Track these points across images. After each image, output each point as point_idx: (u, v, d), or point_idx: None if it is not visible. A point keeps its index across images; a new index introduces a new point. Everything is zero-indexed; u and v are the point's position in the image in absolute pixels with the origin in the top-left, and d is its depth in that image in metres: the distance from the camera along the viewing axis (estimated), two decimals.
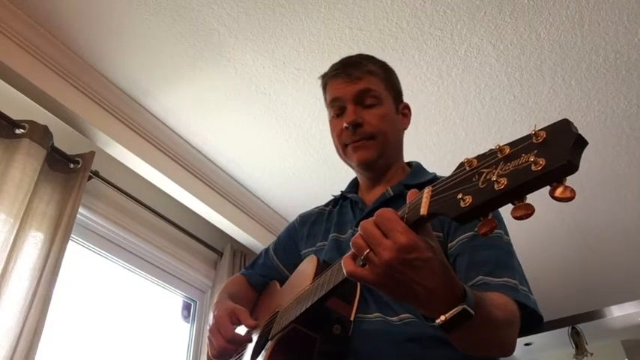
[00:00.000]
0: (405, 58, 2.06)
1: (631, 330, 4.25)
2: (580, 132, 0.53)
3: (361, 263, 0.68)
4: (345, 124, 1.11)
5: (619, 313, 3.89)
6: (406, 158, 1.26)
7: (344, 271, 0.70)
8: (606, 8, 1.88)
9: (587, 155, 2.87)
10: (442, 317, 0.67)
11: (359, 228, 0.68)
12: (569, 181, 0.53)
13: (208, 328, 1.09)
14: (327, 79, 1.21)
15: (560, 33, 1.98)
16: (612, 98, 2.25)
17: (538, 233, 3.10)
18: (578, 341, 4.24)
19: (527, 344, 4.40)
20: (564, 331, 4.17)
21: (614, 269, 3.50)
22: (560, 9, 1.89)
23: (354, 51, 1.99)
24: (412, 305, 0.71)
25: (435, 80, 2.16)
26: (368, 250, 0.66)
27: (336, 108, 1.17)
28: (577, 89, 2.21)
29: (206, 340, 1.09)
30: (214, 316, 1.09)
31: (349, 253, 0.70)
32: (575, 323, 4.12)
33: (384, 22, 1.93)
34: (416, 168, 1.21)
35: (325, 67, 1.25)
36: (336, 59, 1.22)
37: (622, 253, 3.32)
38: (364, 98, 1.13)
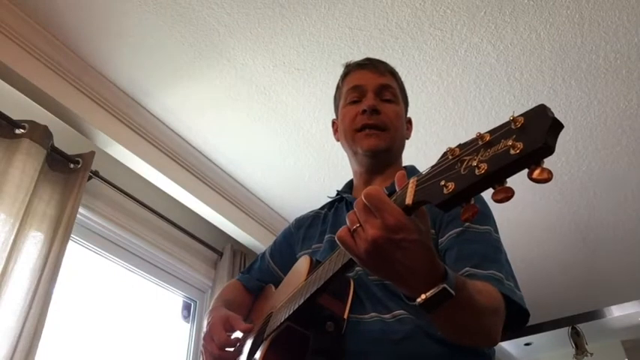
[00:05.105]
0: (405, 58, 2.06)
1: (631, 330, 4.25)
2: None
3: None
4: (364, 108, 1.15)
5: (619, 313, 3.90)
6: (405, 158, 1.28)
7: (337, 235, 0.71)
8: (606, 8, 1.89)
9: (587, 155, 2.86)
10: (422, 296, 0.68)
11: (354, 204, 0.69)
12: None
13: (202, 336, 1.09)
14: (352, 68, 1.26)
15: (560, 33, 1.98)
16: (612, 98, 2.25)
17: (538, 233, 3.10)
18: (578, 341, 4.25)
19: (527, 344, 4.39)
20: (564, 331, 4.17)
21: (614, 269, 3.49)
22: (560, 9, 1.89)
23: (354, 51, 2.00)
24: (394, 284, 0.72)
25: (435, 80, 2.16)
26: (358, 225, 0.68)
27: (355, 95, 1.20)
28: (577, 89, 2.21)
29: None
30: (207, 324, 1.09)
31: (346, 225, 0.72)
32: (575, 323, 4.12)
33: (384, 22, 1.93)
34: (410, 169, 1.23)
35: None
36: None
37: (622, 253, 3.32)
38: (384, 92, 1.19)
